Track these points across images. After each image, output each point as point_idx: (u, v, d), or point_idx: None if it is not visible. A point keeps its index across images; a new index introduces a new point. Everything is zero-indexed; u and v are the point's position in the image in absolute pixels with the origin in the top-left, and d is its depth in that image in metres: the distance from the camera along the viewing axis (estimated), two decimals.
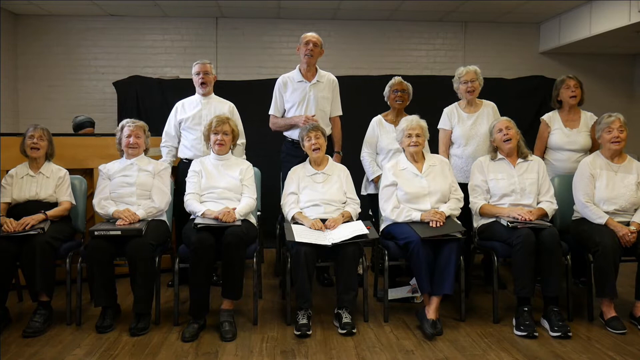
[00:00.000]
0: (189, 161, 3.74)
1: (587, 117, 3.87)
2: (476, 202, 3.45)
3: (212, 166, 3.44)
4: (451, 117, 3.85)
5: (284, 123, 3.91)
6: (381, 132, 3.95)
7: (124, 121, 3.49)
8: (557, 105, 3.92)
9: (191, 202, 3.32)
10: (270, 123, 4.00)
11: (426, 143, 3.53)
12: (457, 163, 3.83)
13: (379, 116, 4.04)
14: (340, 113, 4.05)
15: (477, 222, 3.50)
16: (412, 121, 3.42)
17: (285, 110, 3.95)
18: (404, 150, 3.50)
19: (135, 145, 3.41)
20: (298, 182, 3.52)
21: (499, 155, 3.48)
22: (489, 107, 3.87)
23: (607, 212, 3.29)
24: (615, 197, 3.32)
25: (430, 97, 4.16)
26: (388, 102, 4.05)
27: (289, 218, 3.42)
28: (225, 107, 3.92)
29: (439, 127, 3.89)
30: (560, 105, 3.90)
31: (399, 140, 3.49)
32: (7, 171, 3.41)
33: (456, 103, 3.92)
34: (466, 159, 3.78)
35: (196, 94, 3.94)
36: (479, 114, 3.83)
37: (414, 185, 3.37)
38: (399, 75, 4.08)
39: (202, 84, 3.87)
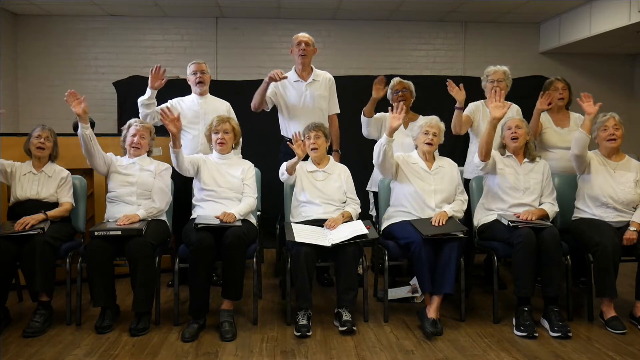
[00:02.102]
0: None
1: (576, 118, 3.94)
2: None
3: (214, 165, 3.45)
4: (475, 111, 3.86)
5: (258, 93, 3.83)
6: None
7: (132, 120, 3.51)
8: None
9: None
10: (251, 105, 3.93)
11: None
12: (475, 159, 3.82)
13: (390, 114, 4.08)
14: (338, 111, 4.06)
15: (478, 222, 3.50)
16: (431, 120, 3.48)
17: (272, 101, 3.92)
18: (416, 147, 3.52)
19: (138, 146, 3.42)
20: (301, 176, 3.52)
21: (507, 153, 3.49)
22: (513, 110, 3.88)
23: (606, 208, 3.33)
24: (614, 194, 3.33)
25: (430, 97, 4.18)
26: (393, 104, 4.06)
27: (283, 170, 3.47)
28: (223, 107, 3.96)
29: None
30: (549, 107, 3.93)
31: (414, 137, 3.51)
32: None
33: (482, 100, 3.95)
34: None
35: (192, 93, 3.95)
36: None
37: (421, 181, 3.39)
38: (398, 76, 4.10)
39: (199, 82, 3.89)
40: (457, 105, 3.72)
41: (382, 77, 3.87)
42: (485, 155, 3.36)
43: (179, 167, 3.36)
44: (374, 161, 3.43)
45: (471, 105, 3.90)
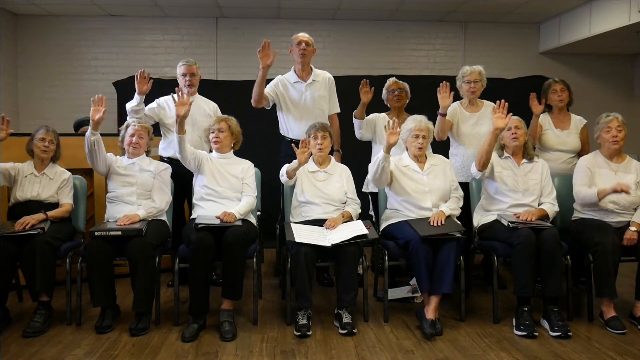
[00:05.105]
0: (170, 160, 3.75)
1: (577, 120, 3.94)
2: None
3: (215, 164, 3.45)
4: (453, 113, 3.85)
5: (256, 85, 3.77)
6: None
7: (130, 120, 3.51)
8: (547, 109, 3.97)
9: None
10: (251, 101, 3.89)
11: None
12: (456, 163, 3.84)
13: (384, 114, 4.09)
14: (338, 110, 4.06)
15: (477, 222, 3.50)
16: (420, 122, 3.42)
17: (272, 99, 3.91)
18: (406, 149, 3.51)
19: (137, 146, 3.42)
20: (301, 176, 3.52)
21: (505, 154, 3.49)
22: (490, 108, 3.87)
23: (606, 210, 3.32)
24: (615, 197, 3.32)
25: (430, 97, 4.17)
26: (387, 104, 4.07)
27: (283, 172, 3.46)
28: (211, 107, 3.99)
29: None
30: (550, 109, 3.94)
31: (404, 139, 3.48)
32: None
33: (458, 102, 3.93)
34: (467, 157, 3.79)
35: (189, 92, 3.94)
36: (480, 114, 3.85)
37: (415, 183, 3.39)
38: (396, 75, 4.13)
39: (189, 85, 3.87)
40: (440, 111, 3.70)
41: (365, 80, 3.89)
42: (483, 165, 3.37)
43: (180, 153, 3.35)
44: (369, 176, 3.41)
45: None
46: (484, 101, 3.93)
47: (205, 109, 3.94)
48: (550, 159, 3.80)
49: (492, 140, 3.31)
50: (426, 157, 3.51)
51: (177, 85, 3.90)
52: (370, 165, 3.38)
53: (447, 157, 3.89)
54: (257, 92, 3.78)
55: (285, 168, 3.47)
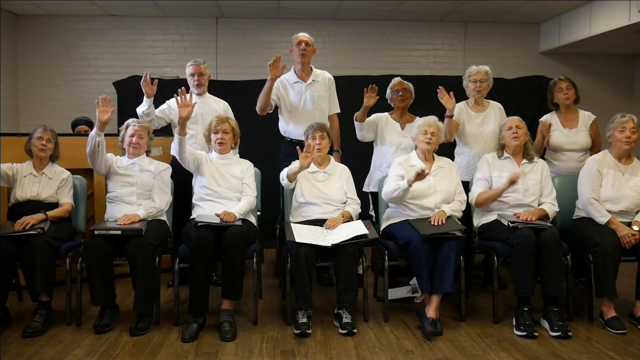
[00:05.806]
0: None
1: (585, 116, 3.92)
2: (475, 192, 3.45)
3: (215, 165, 3.45)
4: (459, 113, 3.85)
5: (263, 94, 3.78)
6: (387, 127, 3.98)
7: (130, 120, 3.50)
8: (554, 108, 3.95)
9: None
10: (257, 109, 3.91)
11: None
12: (461, 162, 3.84)
13: (386, 113, 4.07)
14: (338, 111, 4.05)
15: (478, 222, 3.50)
16: (429, 119, 3.47)
17: (275, 102, 3.92)
18: (415, 148, 3.52)
19: (137, 146, 3.42)
20: (301, 177, 3.51)
21: (505, 154, 3.49)
22: (496, 108, 3.89)
23: (610, 212, 3.29)
24: (620, 197, 3.32)
25: (430, 97, 4.17)
26: (391, 104, 4.06)
27: (284, 175, 3.45)
28: (221, 106, 3.98)
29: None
30: (557, 107, 3.93)
31: (414, 137, 3.51)
32: None
33: (464, 101, 3.93)
34: (472, 157, 3.79)
35: (190, 92, 3.94)
36: (486, 114, 3.85)
37: (421, 183, 3.38)
38: (398, 75, 4.11)
39: (197, 85, 3.89)
40: (447, 113, 3.70)
41: (374, 85, 3.80)
42: (487, 206, 3.40)
43: (179, 154, 3.34)
44: (383, 195, 3.42)
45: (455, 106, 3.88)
46: (490, 101, 3.93)
47: (216, 107, 3.94)
48: (561, 159, 3.81)
49: (504, 189, 3.31)
50: (434, 158, 3.51)
51: (177, 85, 3.90)
52: (388, 188, 3.37)
53: (452, 157, 3.89)
54: (264, 101, 3.79)
55: (285, 171, 3.46)
